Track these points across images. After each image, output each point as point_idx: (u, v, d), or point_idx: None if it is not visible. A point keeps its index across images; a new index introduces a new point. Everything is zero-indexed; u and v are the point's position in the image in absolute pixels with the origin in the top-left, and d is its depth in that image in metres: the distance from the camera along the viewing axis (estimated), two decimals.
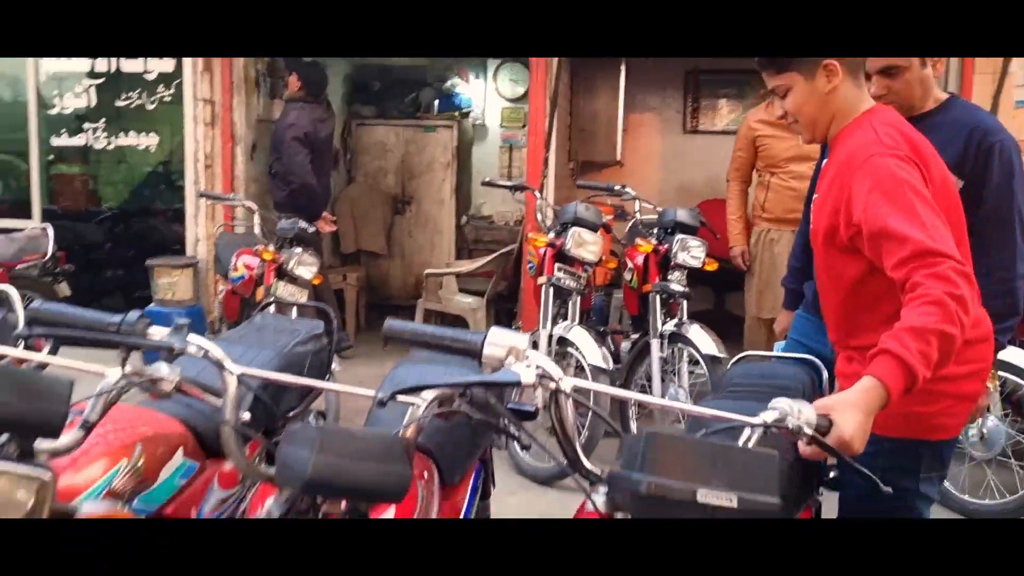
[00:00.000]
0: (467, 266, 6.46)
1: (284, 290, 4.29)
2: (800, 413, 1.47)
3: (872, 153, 1.86)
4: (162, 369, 1.64)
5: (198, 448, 2.00)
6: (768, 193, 4.69)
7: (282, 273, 4.32)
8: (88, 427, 1.58)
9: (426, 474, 1.89)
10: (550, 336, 4.07)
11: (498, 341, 1.49)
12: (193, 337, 1.61)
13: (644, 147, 7.61)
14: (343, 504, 1.37)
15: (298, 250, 4.34)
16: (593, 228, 4.25)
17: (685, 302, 4.25)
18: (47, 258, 5.29)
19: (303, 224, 4.45)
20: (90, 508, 1.50)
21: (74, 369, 1.61)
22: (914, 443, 2.00)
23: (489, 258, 6.34)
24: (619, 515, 1.39)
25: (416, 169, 7.42)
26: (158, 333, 1.61)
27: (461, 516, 2.07)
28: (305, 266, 4.34)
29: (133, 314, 1.62)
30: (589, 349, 3.91)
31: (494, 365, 1.49)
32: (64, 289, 5.45)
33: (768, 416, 1.49)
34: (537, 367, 1.45)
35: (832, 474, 2.21)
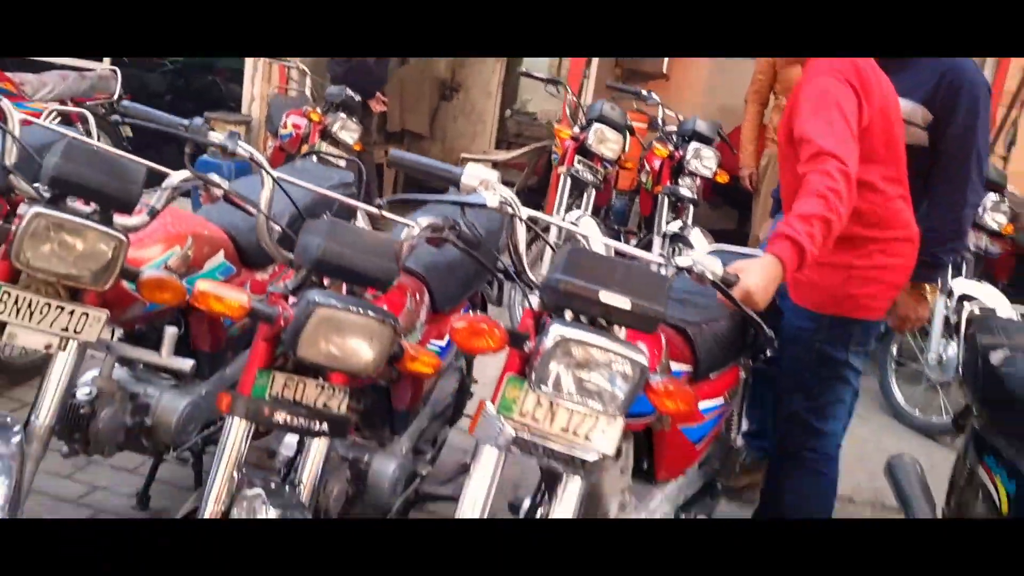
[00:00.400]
0: (502, 156, 6.76)
1: (326, 149, 4.65)
2: (708, 264, 1.81)
3: (820, 72, 2.18)
4: (215, 176, 2.05)
5: (236, 255, 2.41)
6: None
7: (326, 135, 4.69)
8: (153, 213, 1.99)
9: (418, 295, 2.28)
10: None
11: (473, 173, 1.84)
12: (243, 144, 2.00)
13: (692, 64, 7.71)
14: (343, 286, 1.76)
15: (343, 115, 4.69)
16: (617, 128, 4.53)
17: (692, 208, 4.54)
18: (115, 99, 5.55)
19: (350, 92, 4.78)
20: (150, 273, 1.91)
21: (146, 166, 2.00)
22: (846, 320, 2.37)
23: (524, 150, 6.62)
24: (551, 320, 1.68)
25: (468, 58, 7.57)
26: (216, 137, 2.01)
27: (444, 342, 2.45)
28: (348, 131, 4.69)
29: (198, 120, 2.02)
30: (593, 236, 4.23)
31: (469, 191, 1.85)
32: (127, 131, 5.84)
33: (682, 262, 1.84)
34: (501, 196, 1.81)
35: (769, 353, 2.60)
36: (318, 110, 4.73)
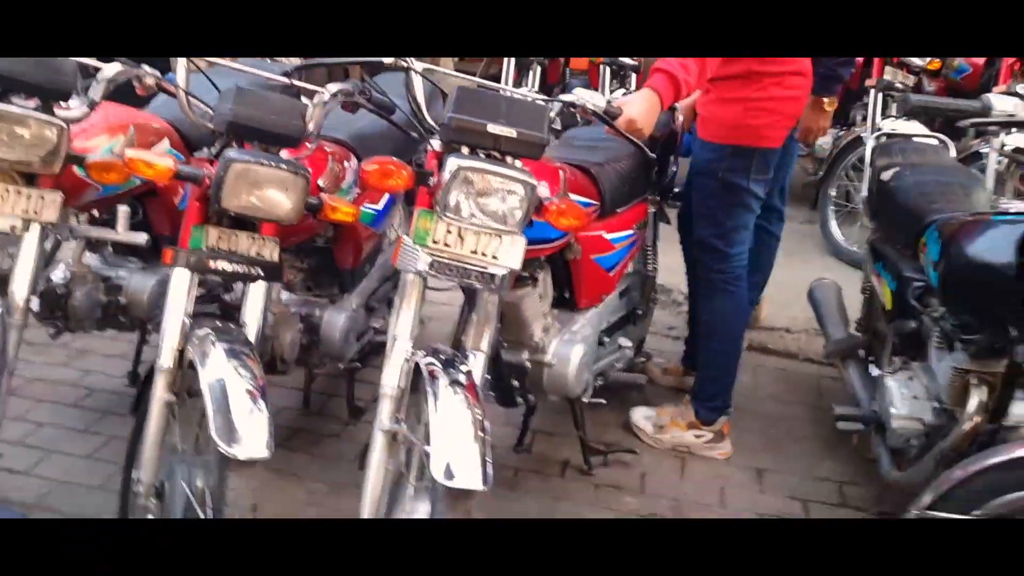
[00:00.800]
0: None
1: None
2: (591, 98, 2.02)
3: None
4: (146, 67, 2.24)
5: (181, 143, 2.62)
6: None
7: None
8: (92, 104, 2.19)
9: (345, 161, 2.50)
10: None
11: None
12: None
13: None
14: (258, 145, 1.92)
15: None
16: None
17: (634, 76, 4.71)
18: None
19: None
20: (96, 157, 2.11)
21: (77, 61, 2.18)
22: (746, 149, 2.58)
23: None
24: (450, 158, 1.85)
25: None
26: None
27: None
28: None
29: None
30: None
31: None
32: None
33: (566, 98, 2.04)
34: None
35: (677, 189, 2.83)
36: None
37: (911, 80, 4.48)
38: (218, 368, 1.75)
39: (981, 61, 4.68)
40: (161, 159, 1.86)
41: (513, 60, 4.65)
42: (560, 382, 2.38)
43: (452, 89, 1.87)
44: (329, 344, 2.49)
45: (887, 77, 4.38)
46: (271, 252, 1.96)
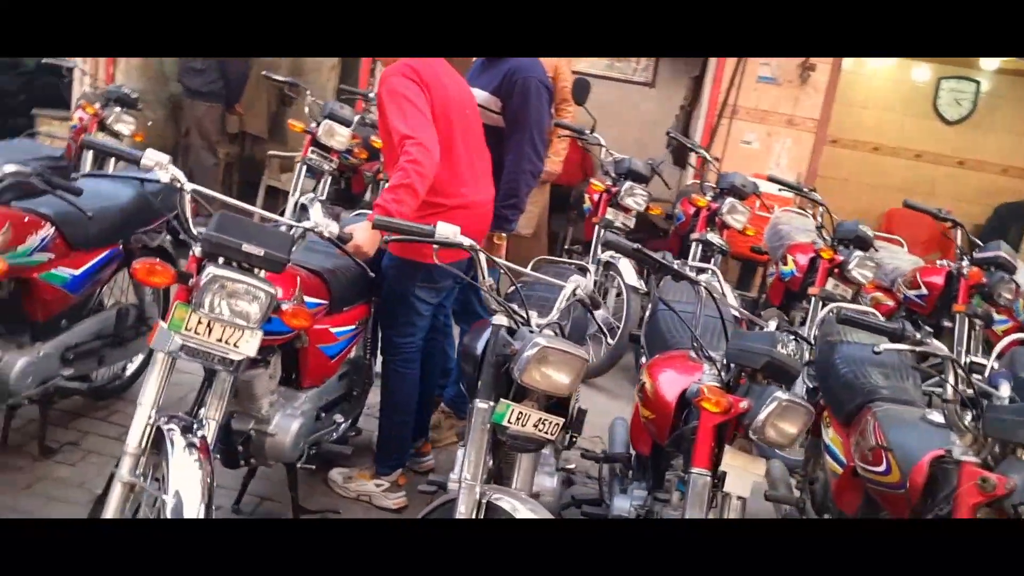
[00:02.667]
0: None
1: (101, 139, 4.94)
2: (327, 225, 2.51)
3: (391, 73, 2.97)
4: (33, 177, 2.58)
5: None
6: None
7: (103, 126, 5.02)
8: None
9: (37, 232, 2.87)
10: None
11: (152, 156, 2.36)
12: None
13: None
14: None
15: (117, 109, 5.00)
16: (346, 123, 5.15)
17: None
18: None
19: (126, 89, 5.15)
20: None
21: None
22: (412, 262, 3.08)
23: None
24: (209, 267, 2.22)
25: (305, 60, 7.65)
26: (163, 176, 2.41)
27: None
28: (124, 123, 5.03)
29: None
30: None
31: (148, 169, 2.38)
32: None
33: (307, 224, 2.52)
34: (172, 174, 2.36)
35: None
36: (96, 105, 5.06)
37: (849, 293, 4.64)
38: None
39: (939, 284, 4.66)
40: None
41: (304, 168, 5.10)
42: (279, 449, 2.78)
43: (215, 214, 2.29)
44: (2, 383, 2.91)
45: (828, 287, 4.55)
46: None
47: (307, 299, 2.72)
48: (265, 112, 7.74)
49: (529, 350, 2.19)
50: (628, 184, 5.07)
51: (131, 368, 3.83)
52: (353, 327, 3.09)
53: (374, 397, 3.47)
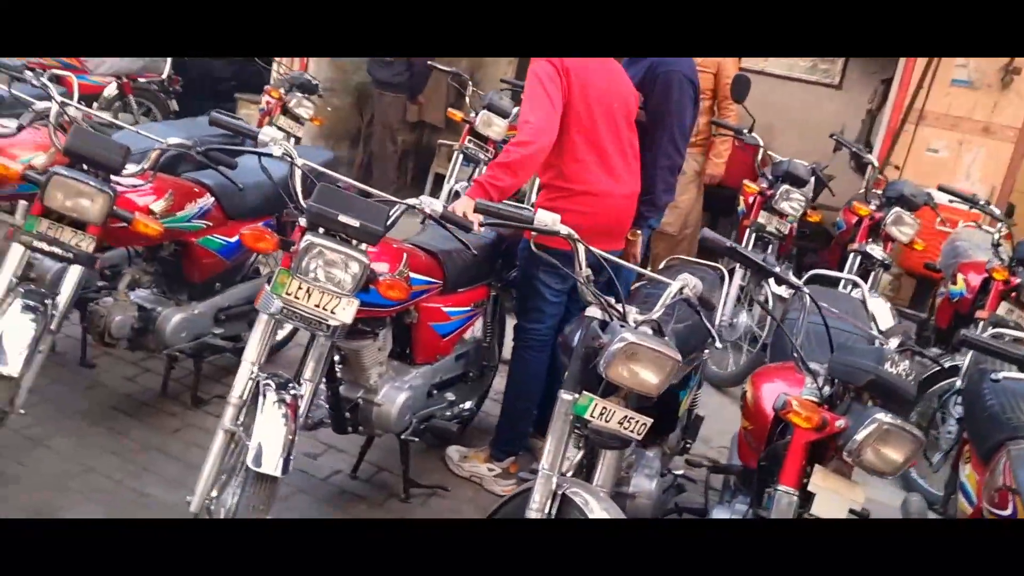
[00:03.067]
0: None
1: (283, 122, 5.29)
2: (431, 204, 2.52)
3: (536, 61, 3.02)
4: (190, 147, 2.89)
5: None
6: None
7: (286, 111, 5.34)
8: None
9: (198, 200, 3.13)
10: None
11: (268, 132, 2.55)
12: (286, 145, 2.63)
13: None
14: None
15: (299, 94, 5.28)
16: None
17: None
18: (163, 78, 6.37)
19: (307, 76, 5.47)
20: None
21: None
22: (542, 247, 2.89)
23: None
24: (308, 235, 2.36)
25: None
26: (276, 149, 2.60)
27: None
28: (304, 107, 5.27)
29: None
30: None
31: (263, 145, 2.56)
32: (173, 105, 6.62)
33: (411, 201, 2.54)
34: (284, 149, 2.53)
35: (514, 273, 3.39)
36: (280, 90, 5.43)
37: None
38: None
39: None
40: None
41: (461, 157, 5.25)
42: (385, 419, 2.88)
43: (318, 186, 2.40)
44: (160, 334, 3.18)
45: (1000, 312, 4.07)
46: (88, 245, 2.61)
47: (416, 276, 2.79)
48: (443, 103, 7.88)
49: (615, 344, 2.13)
50: (784, 188, 4.75)
51: (281, 334, 4.03)
52: (468, 308, 3.15)
53: (503, 382, 3.51)
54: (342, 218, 2.33)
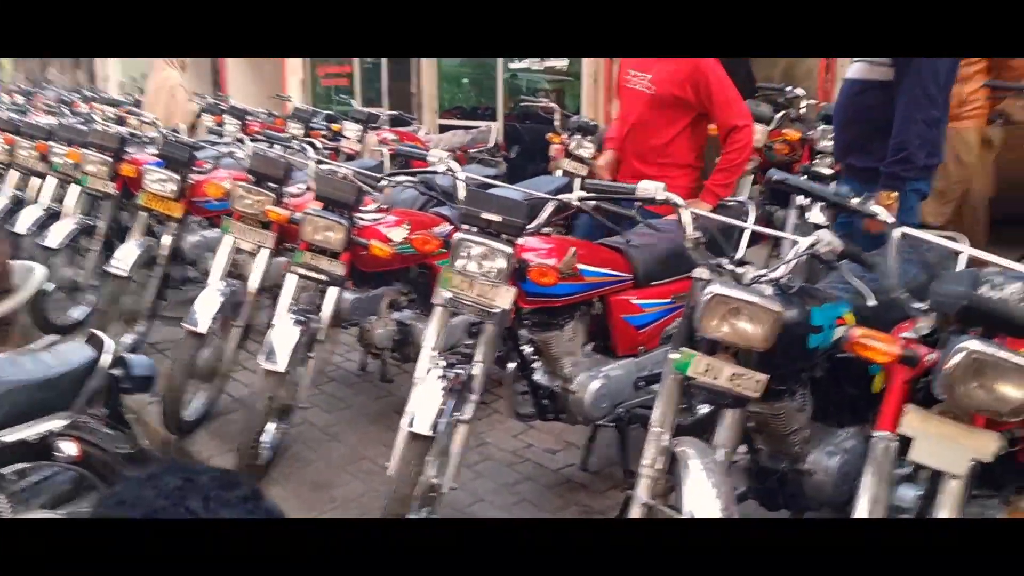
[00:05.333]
0: None
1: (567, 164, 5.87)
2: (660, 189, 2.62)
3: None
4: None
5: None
6: None
7: (569, 153, 5.92)
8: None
9: (435, 229, 3.41)
10: None
11: (436, 153, 2.97)
12: None
13: None
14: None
15: (578, 136, 5.83)
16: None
17: None
18: (491, 146, 7.46)
19: (585, 119, 6.00)
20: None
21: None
22: None
23: None
24: (457, 234, 2.73)
25: None
26: None
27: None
28: (584, 149, 5.79)
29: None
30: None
31: (432, 165, 3.01)
32: (502, 168, 7.46)
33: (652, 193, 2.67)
34: (447, 165, 2.93)
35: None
36: (563, 135, 5.99)
37: None
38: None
39: None
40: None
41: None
42: (579, 406, 2.98)
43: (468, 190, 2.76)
44: (417, 345, 3.53)
45: None
46: (338, 269, 3.15)
47: (591, 269, 2.89)
48: None
49: (703, 298, 2.08)
50: (823, 128, 4.49)
51: None
52: (668, 301, 3.14)
53: None
54: (484, 215, 2.62)
